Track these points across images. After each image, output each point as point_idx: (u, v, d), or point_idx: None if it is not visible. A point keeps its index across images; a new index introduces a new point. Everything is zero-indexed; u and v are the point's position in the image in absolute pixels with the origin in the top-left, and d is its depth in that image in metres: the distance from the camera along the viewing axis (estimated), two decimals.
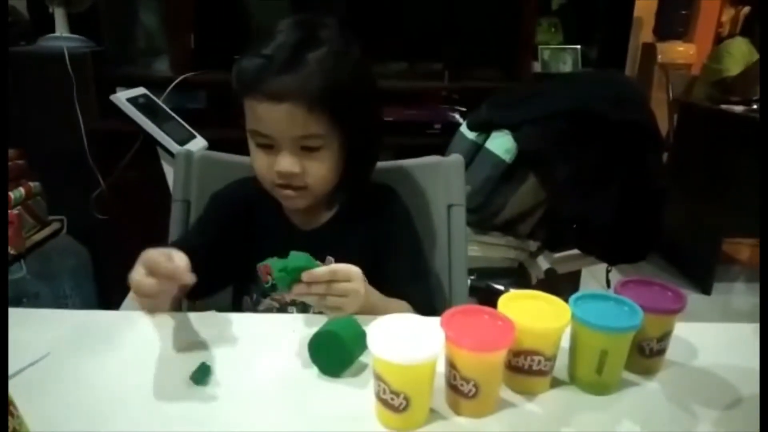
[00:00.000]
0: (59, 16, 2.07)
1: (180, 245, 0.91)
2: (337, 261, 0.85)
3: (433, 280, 1.04)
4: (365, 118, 0.88)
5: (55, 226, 1.92)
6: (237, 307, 0.98)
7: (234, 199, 0.98)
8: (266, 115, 0.81)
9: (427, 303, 0.90)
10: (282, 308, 0.95)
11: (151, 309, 0.73)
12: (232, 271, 0.95)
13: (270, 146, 0.84)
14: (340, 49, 0.83)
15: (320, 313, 0.78)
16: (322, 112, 0.81)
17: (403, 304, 0.87)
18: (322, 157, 0.85)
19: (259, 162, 0.87)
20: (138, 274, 0.69)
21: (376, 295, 0.82)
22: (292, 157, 0.83)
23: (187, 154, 1.10)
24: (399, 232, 0.98)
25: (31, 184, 1.81)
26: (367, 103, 0.89)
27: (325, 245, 0.92)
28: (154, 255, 0.69)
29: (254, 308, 0.96)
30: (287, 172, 0.84)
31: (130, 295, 0.71)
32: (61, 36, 2.06)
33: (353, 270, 0.75)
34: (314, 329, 0.69)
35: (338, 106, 0.81)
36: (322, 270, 0.72)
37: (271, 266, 0.72)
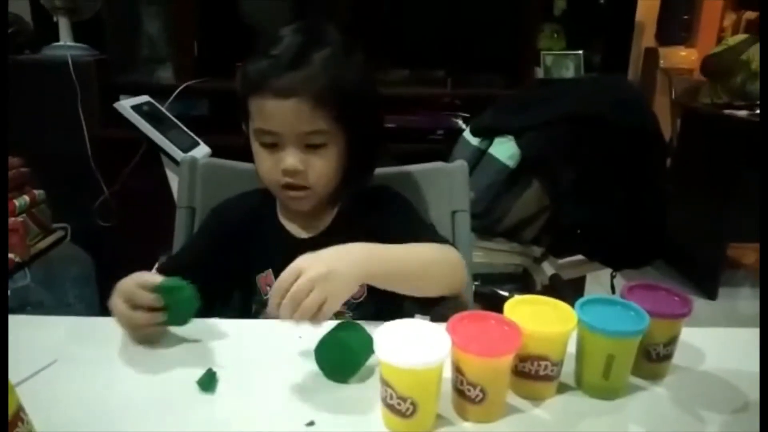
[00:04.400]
0: (63, 24, 2.08)
1: (176, 261, 0.95)
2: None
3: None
4: (368, 117, 0.91)
5: (59, 233, 1.93)
6: (243, 315, 0.98)
7: (232, 212, 1.00)
8: (273, 111, 0.83)
9: (448, 242, 0.89)
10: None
11: (144, 340, 0.75)
12: (232, 285, 0.98)
13: (274, 145, 0.86)
14: (343, 51, 0.87)
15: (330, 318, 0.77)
16: (327, 108, 0.83)
17: (426, 243, 0.84)
18: (326, 155, 0.87)
19: (263, 162, 0.89)
20: (122, 308, 0.71)
21: (382, 253, 0.77)
22: (296, 155, 0.85)
23: (191, 161, 1.11)
24: (404, 218, 0.95)
25: (36, 192, 1.81)
26: (370, 103, 0.92)
27: None
28: (131, 286, 0.72)
29: (254, 318, 0.95)
30: (292, 169, 0.85)
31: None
32: (65, 44, 2.08)
33: (293, 268, 0.67)
34: (321, 335, 0.69)
35: (342, 103, 0.84)
36: (271, 301, 0.67)
37: None
